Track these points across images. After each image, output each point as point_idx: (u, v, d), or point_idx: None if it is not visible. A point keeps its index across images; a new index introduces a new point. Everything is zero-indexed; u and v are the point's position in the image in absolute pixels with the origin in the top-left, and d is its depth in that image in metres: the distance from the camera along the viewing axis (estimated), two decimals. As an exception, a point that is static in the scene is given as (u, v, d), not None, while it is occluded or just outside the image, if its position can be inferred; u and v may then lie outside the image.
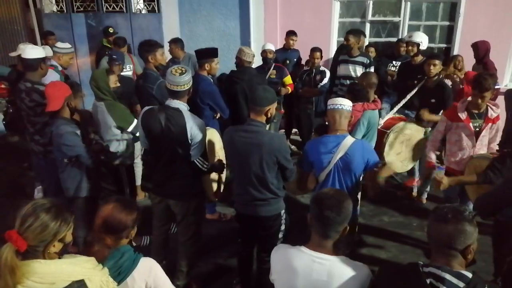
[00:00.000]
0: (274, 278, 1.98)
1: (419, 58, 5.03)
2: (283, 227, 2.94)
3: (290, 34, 6.17)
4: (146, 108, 3.01)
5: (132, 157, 4.06)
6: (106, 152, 3.59)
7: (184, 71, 2.83)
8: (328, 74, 5.47)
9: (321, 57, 5.52)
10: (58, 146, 3.26)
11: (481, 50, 5.15)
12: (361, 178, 2.92)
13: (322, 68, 5.54)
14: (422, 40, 5.03)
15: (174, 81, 2.80)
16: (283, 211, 2.93)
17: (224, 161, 3.30)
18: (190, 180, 3.05)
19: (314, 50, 5.46)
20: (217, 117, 4.22)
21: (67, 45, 5.06)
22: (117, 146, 3.74)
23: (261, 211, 2.83)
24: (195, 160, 2.95)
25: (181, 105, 2.89)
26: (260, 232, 2.97)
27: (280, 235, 2.94)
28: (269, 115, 2.73)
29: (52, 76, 4.73)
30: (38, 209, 1.59)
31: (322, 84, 5.40)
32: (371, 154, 2.80)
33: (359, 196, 3.12)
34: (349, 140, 2.75)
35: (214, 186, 3.45)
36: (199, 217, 3.27)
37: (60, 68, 4.97)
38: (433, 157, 3.78)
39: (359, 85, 4.05)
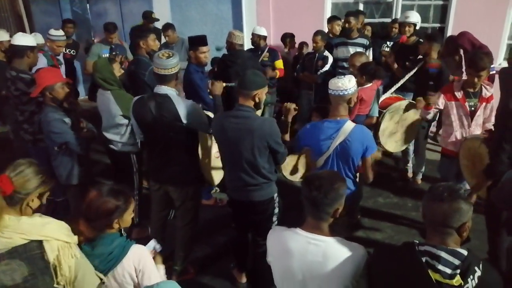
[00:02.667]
0: (270, 260, 1.99)
1: (413, 38, 4.97)
2: (276, 211, 2.93)
3: (334, 19, 5.66)
4: (136, 98, 2.98)
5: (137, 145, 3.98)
6: (96, 139, 3.56)
7: (171, 55, 2.81)
8: (330, 60, 5.21)
9: (323, 41, 5.21)
10: (47, 133, 3.24)
11: (465, 43, 4.91)
12: (359, 163, 2.86)
13: (326, 53, 5.25)
14: (418, 20, 4.97)
15: (161, 64, 2.77)
16: (275, 195, 2.91)
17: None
18: (188, 165, 3.04)
19: (315, 33, 5.20)
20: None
21: (60, 32, 5.02)
22: (117, 134, 3.63)
23: (254, 196, 2.81)
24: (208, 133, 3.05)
25: (169, 90, 2.85)
26: (253, 217, 2.95)
27: (274, 219, 2.94)
28: (256, 99, 2.66)
29: (39, 60, 4.71)
30: (26, 163, 1.83)
31: (322, 70, 5.17)
32: (370, 140, 2.75)
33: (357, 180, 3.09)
34: (349, 125, 2.68)
35: (219, 172, 3.47)
36: (197, 202, 3.28)
37: (50, 53, 4.93)
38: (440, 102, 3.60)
39: (372, 63, 4.07)
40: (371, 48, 5.31)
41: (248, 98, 2.65)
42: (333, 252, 1.78)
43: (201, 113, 2.98)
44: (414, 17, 4.98)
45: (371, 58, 5.24)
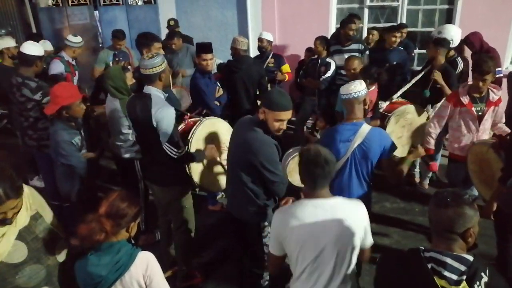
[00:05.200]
0: (280, 240, 2.02)
1: (451, 53, 4.60)
2: (265, 240, 2.72)
3: (392, 29, 5.13)
4: (131, 96, 3.04)
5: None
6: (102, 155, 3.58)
7: (154, 55, 2.83)
8: (333, 66, 5.10)
9: (324, 46, 5.09)
10: (54, 150, 3.21)
11: (475, 41, 4.96)
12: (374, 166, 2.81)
13: (328, 59, 5.14)
14: (453, 36, 4.59)
15: (147, 64, 2.79)
16: (265, 223, 2.70)
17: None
18: (170, 166, 2.96)
19: (316, 39, 5.15)
20: (203, 112, 4.00)
21: (79, 38, 5.15)
22: (121, 141, 3.63)
23: (237, 212, 2.70)
24: (164, 146, 2.83)
25: (153, 90, 2.84)
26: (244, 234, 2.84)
27: (265, 248, 2.67)
28: (261, 116, 2.49)
29: (56, 65, 4.86)
30: None
31: (324, 77, 5.08)
32: (388, 141, 2.71)
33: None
34: (366, 127, 2.67)
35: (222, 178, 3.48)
36: (186, 204, 3.18)
37: (66, 59, 5.03)
38: (432, 142, 3.73)
39: (373, 67, 4.09)
40: (367, 52, 5.26)
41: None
42: (339, 209, 1.95)
43: (170, 124, 2.80)
44: (448, 33, 4.63)
45: (366, 62, 5.20)
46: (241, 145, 2.52)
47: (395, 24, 5.87)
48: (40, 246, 1.99)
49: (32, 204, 2.01)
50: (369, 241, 2.08)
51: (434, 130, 3.74)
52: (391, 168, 2.78)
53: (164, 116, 2.77)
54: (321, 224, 1.91)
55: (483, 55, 3.59)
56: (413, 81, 4.50)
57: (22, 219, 1.93)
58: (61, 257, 2.12)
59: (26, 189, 2.02)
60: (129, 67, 5.18)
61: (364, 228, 2.00)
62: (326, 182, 1.99)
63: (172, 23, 6.23)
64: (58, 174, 3.36)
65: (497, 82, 4.60)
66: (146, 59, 2.81)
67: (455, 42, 4.68)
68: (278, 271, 2.22)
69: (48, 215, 2.11)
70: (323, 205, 1.95)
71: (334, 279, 1.96)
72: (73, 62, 5.25)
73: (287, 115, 2.46)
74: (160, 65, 2.81)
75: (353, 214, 1.96)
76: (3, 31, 7.67)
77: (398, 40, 5.15)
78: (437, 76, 4.13)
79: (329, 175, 1.98)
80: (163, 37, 6.26)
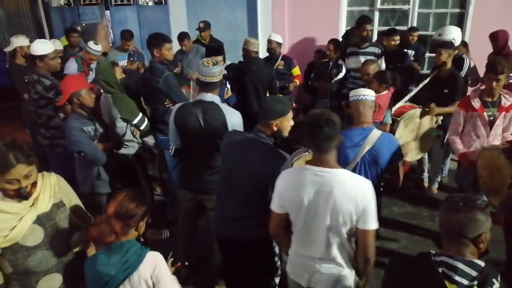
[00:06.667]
0: (281, 199, 2.07)
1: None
2: (277, 251, 2.56)
3: (391, 33, 5.30)
4: (178, 105, 2.93)
5: (141, 147, 3.95)
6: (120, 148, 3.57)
7: (216, 62, 2.82)
8: (344, 69, 5.16)
9: (336, 49, 5.17)
10: (67, 139, 3.23)
11: (500, 40, 4.88)
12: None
13: (340, 62, 5.22)
14: (455, 36, 4.60)
15: (209, 71, 2.75)
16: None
17: None
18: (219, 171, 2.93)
19: (329, 42, 5.22)
20: None
21: (98, 47, 5.25)
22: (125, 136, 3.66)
23: (248, 236, 2.42)
24: None
25: (215, 97, 2.83)
26: (248, 258, 2.58)
27: (276, 259, 2.56)
28: (274, 128, 2.36)
29: (70, 64, 5.04)
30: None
31: (336, 78, 5.12)
32: (397, 147, 2.71)
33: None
34: (376, 133, 2.66)
35: None
36: None
37: (83, 60, 5.16)
38: (460, 147, 3.60)
39: (387, 70, 4.11)
40: (383, 57, 5.24)
41: (265, 125, 2.39)
42: (338, 182, 1.92)
43: (242, 127, 2.87)
44: (449, 34, 4.63)
45: (383, 67, 5.19)
46: (251, 163, 2.35)
47: (392, 27, 5.88)
48: (56, 233, 2.03)
49: (57, 192, 2.06)
50: (370, 224, 1.92)
51: (457, 139, 3.64)
52: (394, 173, 2.78)
53: (238, 120, 2.83)
54: (317, 193, 1.95)
55: (499, 56, 3.55)
56: (421, 85, 4.47)
57: (44, 205, 1.98)
58: (77, 248, 2.15)
59: (54, 176, 2.09)
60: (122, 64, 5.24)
61: (362, 208, 1.89)
62: (329, 146, 1.95)
63: (202, 25, 6.24)
64: (76, 167, 3.37)
65: (509, 88, 4.56)
66: (206, 66, 2.76)
67: (457, 42, 4.68)
68: (278, 231, 2.20)
69: (74, 205, 2.18)
70: (323, 174, 1.95)
71: (325, 249, 2.01)
72: (92, 66, 5.33)
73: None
74: (219, 75, 2.82)
75: (352, 191, 1.90)
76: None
77: (397, 43, 5.30)
78: (437, 110, 4.08)
79: (331, 137, 1.93)
80: (173, 37, 6.28)
